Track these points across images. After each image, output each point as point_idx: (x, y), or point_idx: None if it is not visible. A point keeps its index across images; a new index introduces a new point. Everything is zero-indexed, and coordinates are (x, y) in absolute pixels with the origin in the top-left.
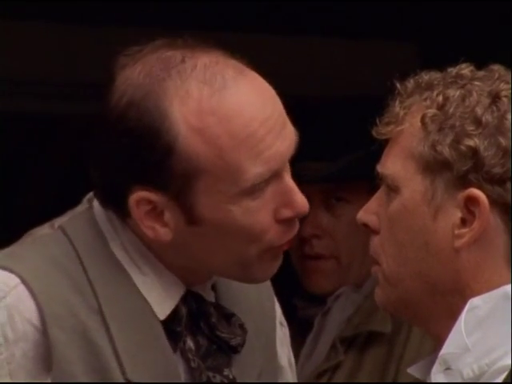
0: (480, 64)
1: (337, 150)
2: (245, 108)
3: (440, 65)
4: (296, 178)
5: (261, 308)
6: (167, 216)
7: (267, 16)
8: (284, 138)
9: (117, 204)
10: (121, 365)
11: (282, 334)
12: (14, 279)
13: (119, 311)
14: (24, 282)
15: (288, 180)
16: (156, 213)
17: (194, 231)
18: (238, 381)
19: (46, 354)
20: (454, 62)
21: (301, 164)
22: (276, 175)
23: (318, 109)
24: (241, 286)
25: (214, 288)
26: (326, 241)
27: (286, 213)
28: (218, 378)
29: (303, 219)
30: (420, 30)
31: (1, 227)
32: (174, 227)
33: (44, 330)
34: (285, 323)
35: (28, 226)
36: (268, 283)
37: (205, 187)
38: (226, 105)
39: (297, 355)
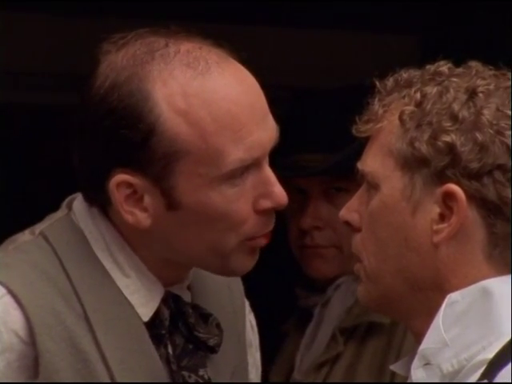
0: (481, 58)
1: (337, 142)
2: (228, 92)
3: (440, 58)
4: (296, 170)
5: (232, 307)
6: (147, 200)
7: (267, 8)
8: (266, 128)
9: (98, 190)
10: (109, 370)
11: (252, 332)
12: (0, 290)
13: (104, 316)
14: (10, 292)
15: (268, 171)
16: (136, 197)
17: (173, 217)
18: (213, 381)
19: (30, 364)
20: (455, 55)
21: (301, 156)
22: (256, 164)
23: (318, 100)
24: (214, 286)
25: (189, 288)
26: (326, 232)
27: (265, 203)
28: (193, 378)
29: (303, 211)
30: (421, 22)
31: (3, 216)
32: (154, 212)
33: (30, 341)
34: (254, 322)
35: (28, 217)
36: (239, 282)
37: (185, 170)
38: (208, 88)
39: (297, 345)
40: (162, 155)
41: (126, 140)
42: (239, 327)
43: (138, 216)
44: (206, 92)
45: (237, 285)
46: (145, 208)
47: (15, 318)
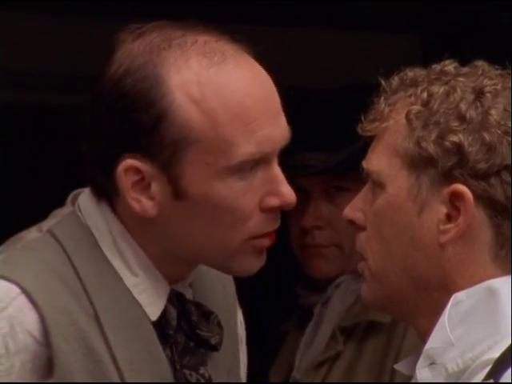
0: (480, 58)
1: (338, 141)
2: (241, 84)
3: (441, 57)
4: (297, 169)
5: (226, 305)
6: (154, 188)
7: (267, 8)
8: (278, 125)
9: (106, 177)
10: (119, 371)
11: (241, 329)
12: (14, 289)
13: (114, 316)
14: (25, 291)
15: (277, 169)
16: (143, 185)
17: (179, 207)
18: (213, 379)
19: (44, 365)
20: (455, 55)
21: (302, 155)
22: (266, 161)
23: (318, 100)
24: (211, 283)
25: (190, 285)
26: (327, 231)
27: (272, 202)
28: (194, 377)
29: (304, 210)
30: (421, 22)
31: (2, 216)
32: (160, 201)
33: (45, 342)
34: (242, 318)
35: (29, 217)
36: (231, 279)
37: (193, 158)
38: (223, 78)
39: (297, 345)
40: (171, 141)
41: (136, 124)
42: (232, 324)
43: (144, 204)
44: (219, 82)
45: (229, 282)
46: (151, 196)
47: (30, 319)
